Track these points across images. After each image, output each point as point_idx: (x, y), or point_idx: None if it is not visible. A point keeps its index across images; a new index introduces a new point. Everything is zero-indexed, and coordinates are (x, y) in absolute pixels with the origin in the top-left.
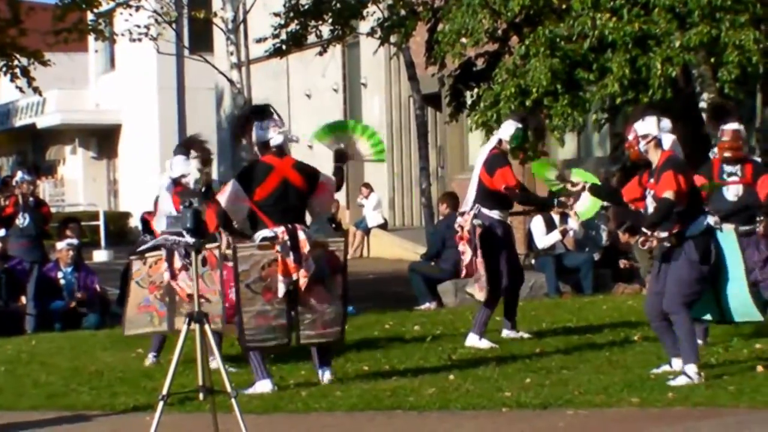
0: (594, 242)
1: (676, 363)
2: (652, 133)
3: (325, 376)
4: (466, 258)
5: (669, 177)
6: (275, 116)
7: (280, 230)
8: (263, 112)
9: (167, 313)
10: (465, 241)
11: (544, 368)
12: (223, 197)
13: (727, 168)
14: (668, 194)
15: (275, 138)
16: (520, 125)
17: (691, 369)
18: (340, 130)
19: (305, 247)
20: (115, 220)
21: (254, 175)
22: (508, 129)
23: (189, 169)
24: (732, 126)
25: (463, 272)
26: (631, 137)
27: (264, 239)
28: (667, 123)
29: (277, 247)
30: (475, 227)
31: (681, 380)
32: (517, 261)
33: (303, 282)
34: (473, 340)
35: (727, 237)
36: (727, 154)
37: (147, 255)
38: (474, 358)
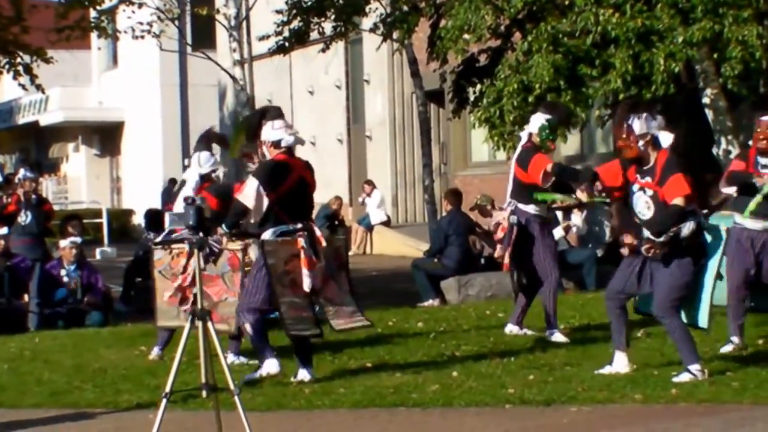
0: (597, 238)
1: (618, 358)
2: (651, 131)
3: (305, 375)
4: (502, 253)
5: (680, 181)
6: (285, 118)
7: (299, 226)
8: (276, 113)
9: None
10: (500, 238)
11: (548, 365)
12: (243, 195)
13: (762, 160)
14: (679, 200)
15: (286, 139)
16: (548, 116)
17: (695, 368)
18: None
19: (322, 242)
20: (118, 217)
21: (275, 174)
22: (536, 121)
23: (217, 164)
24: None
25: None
26: (629, 137)
27: (282, 234)
28: (661, 120)
29: (301, 242)
30: (512, 225)
31: (684, 377)
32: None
33: (319, 276)
34: (552, 336)
35: (715, 237)
36: (761, 145)
37: (173, 246)
38: (477, 355)
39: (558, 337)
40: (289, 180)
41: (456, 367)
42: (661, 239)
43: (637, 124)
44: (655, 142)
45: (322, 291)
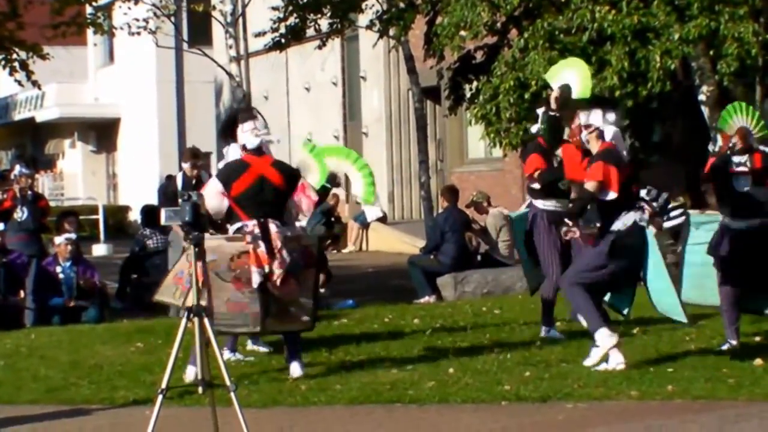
0: None
1: (613, 355)
2: (596, 124)
3: (295, 370)
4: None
5: (597, 167)
6: (257, 119)
7: (252, 223)
8: (246, 115)
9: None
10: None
11: (544, 361)
12: (205, 193)
13: (735, 158)
14: (590, 185)
15: (250, 141)
16: (544, 109)
17: (601, 334)
18: (342, 156)
19: (277, 239)
20: (114, 213)
21: (232, 172)
22: (539, 118)
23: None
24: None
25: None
26: (574, 126)
27: (236, 231)
28: (612, 116)
29: (248, 238)
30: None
31: (595, 355)
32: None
33: (278, 274)
34: (547, 333)
35: (650, 238)
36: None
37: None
38: (473, 351)
39: (553, 333)
40: (245, 178)
41: (452, 363)
42: (589, 230)
43: (585, 116)
44: (600, 136)
45: (278, 288)
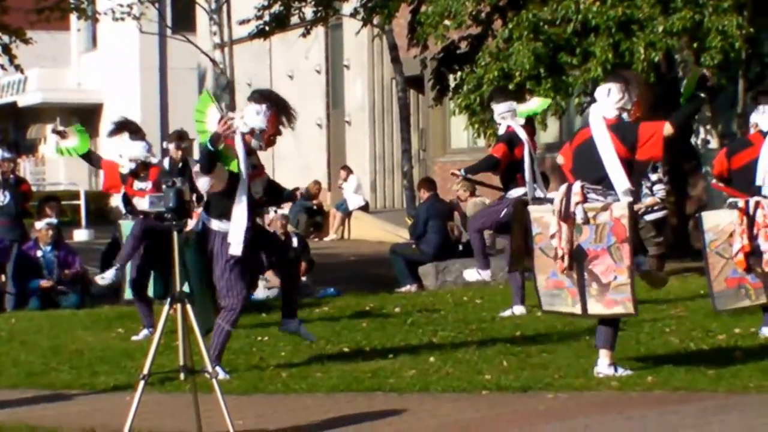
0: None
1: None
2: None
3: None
4: None
5: None
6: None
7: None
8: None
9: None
10: None
11: (524, 352)
12: None
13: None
14: None
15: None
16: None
17: None
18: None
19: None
20: (95, 199)
21: None
22: None
23: None
24: None
25: None
26: None
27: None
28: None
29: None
30: None
31: None
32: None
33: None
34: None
35: None
36: None
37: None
38: (454, 340)
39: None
40: None
41: (433, 352)
42: None
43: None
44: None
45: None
